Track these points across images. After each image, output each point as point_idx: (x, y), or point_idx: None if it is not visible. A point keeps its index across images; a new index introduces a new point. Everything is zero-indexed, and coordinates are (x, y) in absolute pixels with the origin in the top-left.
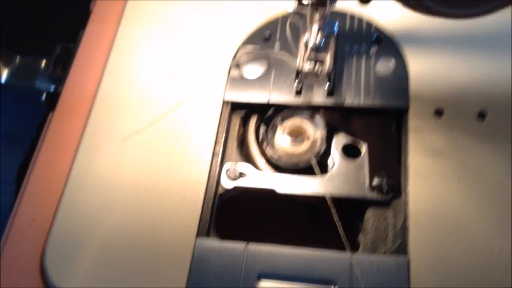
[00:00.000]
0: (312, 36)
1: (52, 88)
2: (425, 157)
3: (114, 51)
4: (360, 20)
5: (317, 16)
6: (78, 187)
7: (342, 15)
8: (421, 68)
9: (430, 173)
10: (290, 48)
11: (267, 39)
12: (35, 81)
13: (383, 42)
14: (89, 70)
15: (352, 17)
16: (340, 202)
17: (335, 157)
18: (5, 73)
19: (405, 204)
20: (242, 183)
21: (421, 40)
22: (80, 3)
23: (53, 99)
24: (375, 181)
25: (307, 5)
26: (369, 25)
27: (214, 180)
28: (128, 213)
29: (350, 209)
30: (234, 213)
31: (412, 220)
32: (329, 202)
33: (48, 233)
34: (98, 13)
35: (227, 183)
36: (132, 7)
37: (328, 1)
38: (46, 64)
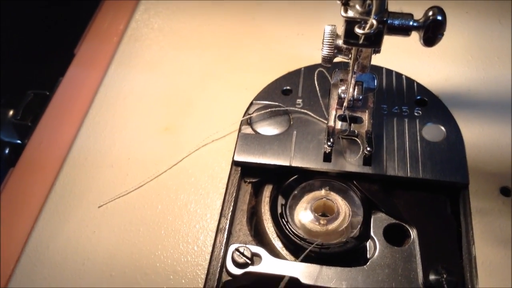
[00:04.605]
0: (350, 88)
1: (18, 140)
2: (496, 247)
3: (98, 98)
4: (400, 76)
5: (356, 66)
6: (33, 266)
7: (377, 70)
8: (477, 137)
9: (504, 268)
10: (318, 103)
11: (287, 91)
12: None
13: (429, 104)
14: (65, 120)
15: (390, 72)
16: None
17: (376, 243)
18: None
19: None
20: (254, 269)
21: (472, 105)
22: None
23: (18, 153)
24: (432, 277)
25: (360, 37)
26: (411, 83)
27: (217, 264)
28: None
29: None
30: None
31: None
32: None
33: None
34: (83, 56)
35: (234, 269)
36: (125, 49)
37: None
38: (13, 113)
